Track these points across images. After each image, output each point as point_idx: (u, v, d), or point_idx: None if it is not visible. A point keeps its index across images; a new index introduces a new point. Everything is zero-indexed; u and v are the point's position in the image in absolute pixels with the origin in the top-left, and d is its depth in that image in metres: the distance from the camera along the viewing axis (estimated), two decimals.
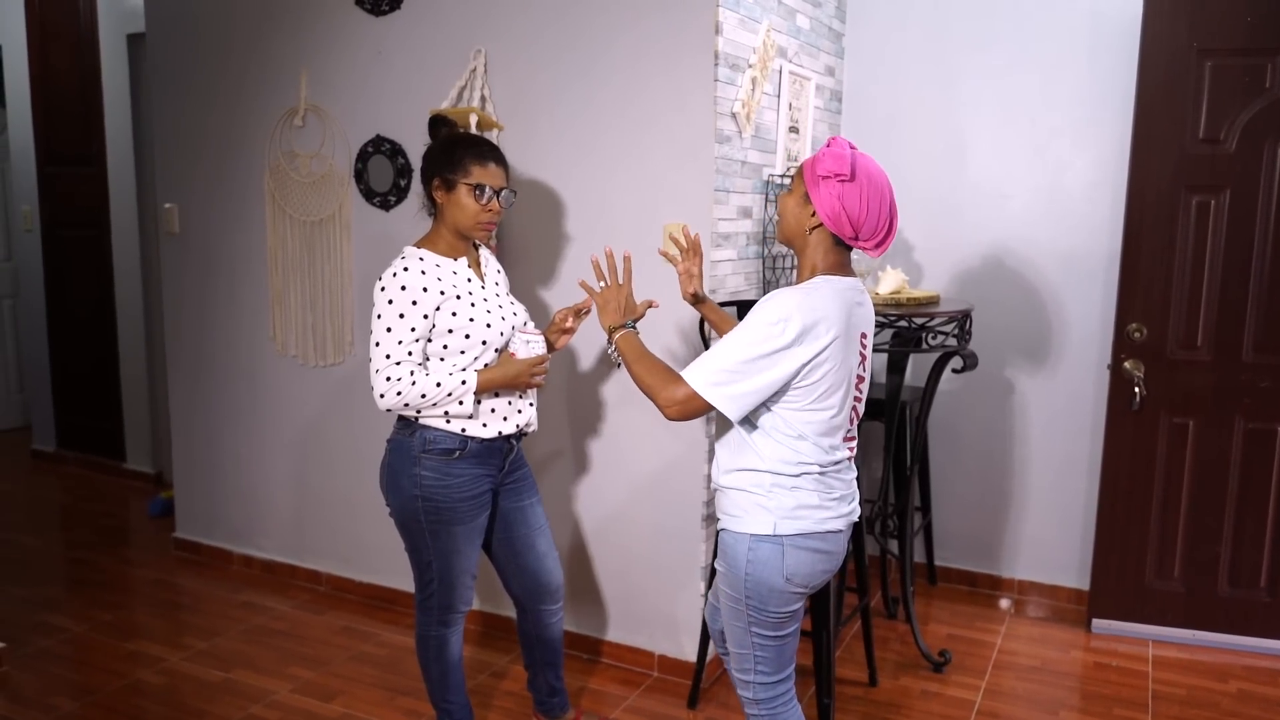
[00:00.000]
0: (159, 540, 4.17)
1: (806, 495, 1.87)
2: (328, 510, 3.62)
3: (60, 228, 5.13)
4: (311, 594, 3.64)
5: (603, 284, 2.14)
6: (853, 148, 1.85)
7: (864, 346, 1.94)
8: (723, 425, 1.95)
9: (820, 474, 1.89)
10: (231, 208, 3.66)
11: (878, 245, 1.85)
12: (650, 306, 2.21)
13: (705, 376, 1.81)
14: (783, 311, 1.78)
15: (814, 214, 1.84)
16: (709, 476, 2.86)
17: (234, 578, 3.79)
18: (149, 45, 3.80)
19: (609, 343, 2.05)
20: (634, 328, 2.05)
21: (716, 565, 1.98)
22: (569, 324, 2.44)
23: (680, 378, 1.84)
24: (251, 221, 3.62)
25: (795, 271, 1.98)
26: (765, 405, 1.85)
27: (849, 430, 1.94)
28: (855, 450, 1.99)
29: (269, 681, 2.98)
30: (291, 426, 3.65)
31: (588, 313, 2.45)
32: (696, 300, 2.31)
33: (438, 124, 2.32)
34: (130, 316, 4.89)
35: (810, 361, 1.80)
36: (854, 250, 1.91)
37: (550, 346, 2.40)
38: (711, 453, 2.87)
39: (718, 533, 1.98)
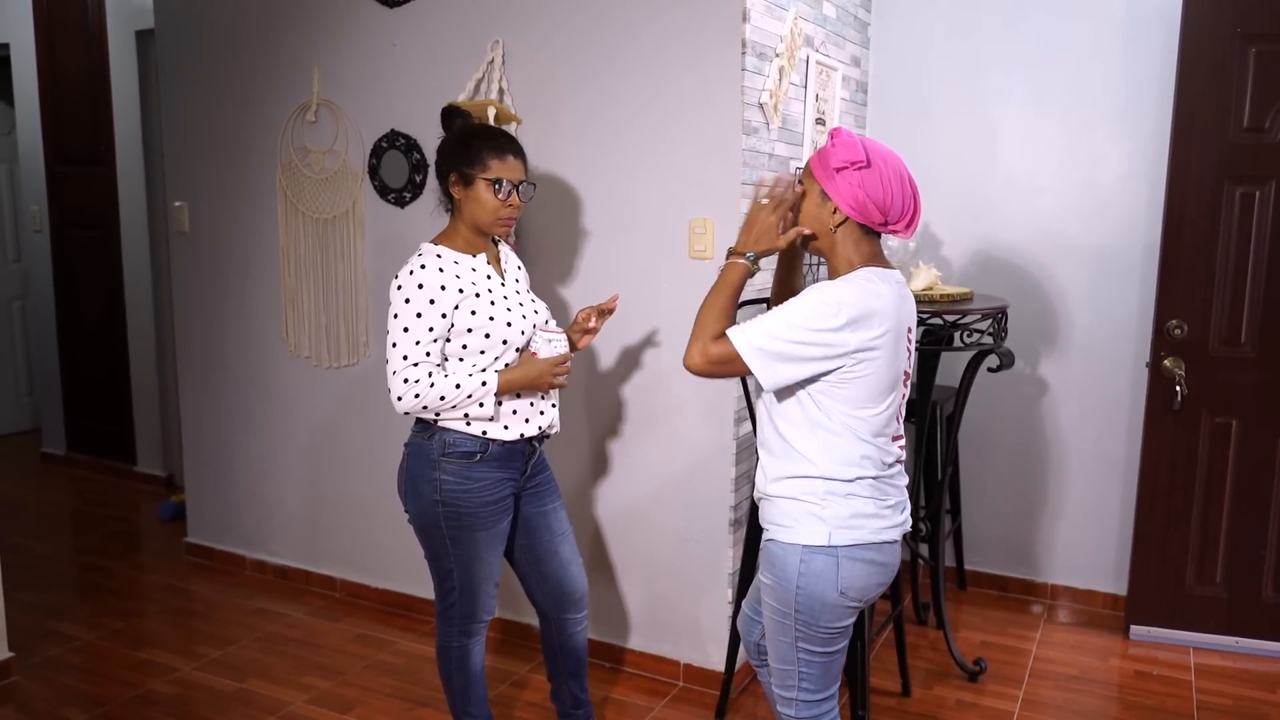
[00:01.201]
0: (170, 545, 4.10)
1: (862, 503, 1.79)
2: (342, 515, 3.54)
3: (69, 228, 5.06)
4: (326, 600, 3.55)
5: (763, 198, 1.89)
6: (856, 135, 1.79)
7: (910, 342, 1.85)
8: (766, 431, 1.86)
9: (875, 479, 1.80)
10: (243, 206, 3.58)
11: (908, 225, 1.80)
12: (795, 240, 1.87)
13: (751, 340, 1.72)
14: (837, 295, 1.72)
15: (835, 210, 1.78)
16: (735, 479, 2.78)
17: (247, 584, 3.71)
18: (158, 41, 3.72)
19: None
20: (753, 261, 1.85)
21: (762, 577, 1.89)
22: (592, 323, 2.34)
23: (724, 335, 1.75)
24: (263, 220, 3.54)
25: (826, 271, 1.88)
26: (817, 404, 1.77)
27: (897, 429, 1.86)
28: (905, 451, 1.90)
29: (284, 692, 2.90)
30: (305, 429, 3.57)
31: (611, 312, 2.36)
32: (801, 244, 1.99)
33: (451, 116, 2.23)
34: (140, 317, 4.82)
35: (859, 351, 1.72)
36: (885, 237, 1.82)
37: (572, 346, 2.31)
38: (739, 454, 2.78)
39: (764, 543, 1.88)
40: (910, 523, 1.91)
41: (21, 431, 5.94)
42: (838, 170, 1.76)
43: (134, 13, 4.48)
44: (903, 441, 1.90)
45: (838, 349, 1.71)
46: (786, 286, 2.01)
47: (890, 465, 1.84)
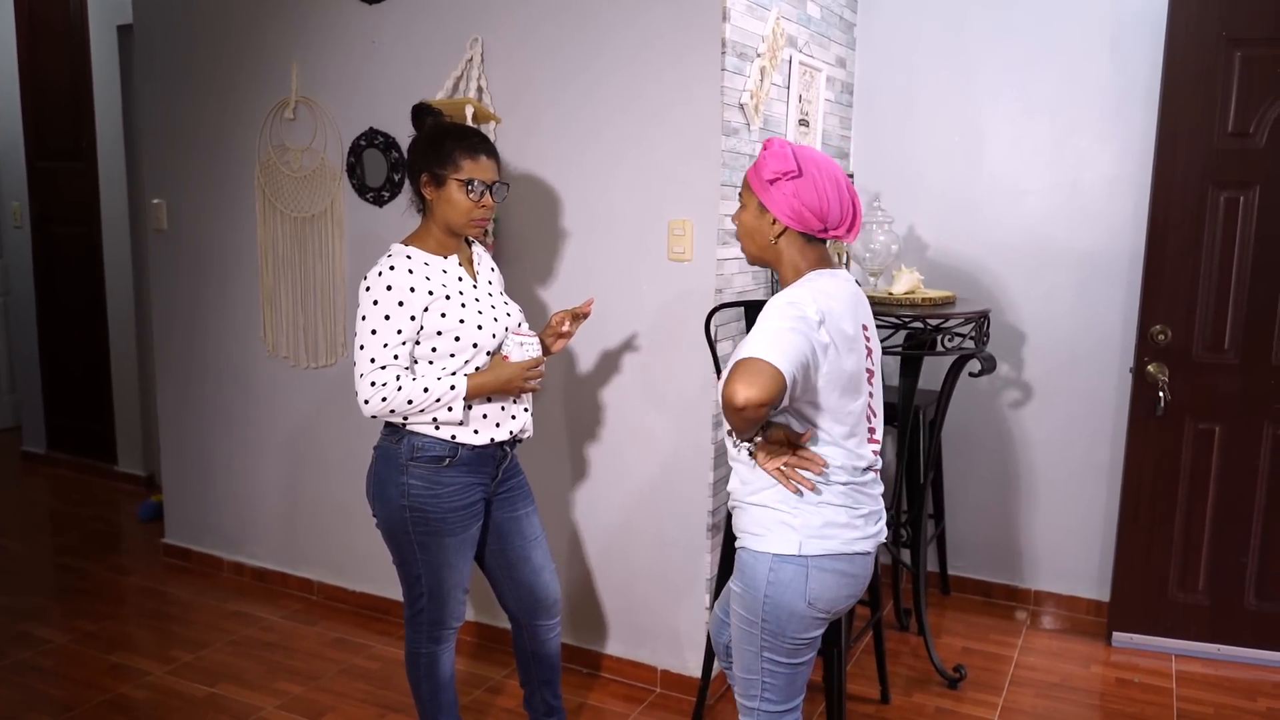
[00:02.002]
0: (148, 546, 4.06)
1: (834, 512, 1.77)
2: (320, 516, 3.50)
3: (50, 224, 5.01)
4: (303, 603, 3.52)
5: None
6: (789, 144, 1.79)
7: (868, 340, 1.85)
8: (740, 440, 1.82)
9: (846, 485, 1.79)
10: (221, 204, 3.54)
11: (849, 230, 1.79)
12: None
13: (760, 347, 1.61)
14: (796, 298, 1.71)
15: (774, 221, 1.78)
16: (713, 484, 2.75)
17: (224, 586, 3.67)
18: (136, 37, 3.68)
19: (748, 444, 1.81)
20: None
21: (732, 585, 1.87)
22: (565, 328, 2.31)
23: (735, 368, 1.61)
24: (242, 218, 3.50)
25: (779, 285, 1.86)
26: (794, 414, 1.75)
27: (871, 424, 1.84)
28: (880, 455, 1.88)
29: (256, 697, 2.86)
30: (283, 430, 3.53)
31: (586, 315, 2.33)
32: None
33: (422, 114, 2.19)
34: (121, 315, 4.77)
35: (829, 346, 1.70)
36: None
37: (546, 350, 2.28)
38: (717, 458, 2.75)
39: (737, 550, 1.86)
40: (885, 533, 1.89)
41: (2, 430, 5.89)
42: (771, 181, 1.76)
43: (115, 7, 4.44)
44: (878, 446, 1.87)
45: (818, 342, 1.68)
46: None
47: (864, 471, 1.82)
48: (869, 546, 1.82)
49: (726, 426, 1.80)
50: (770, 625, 1.78)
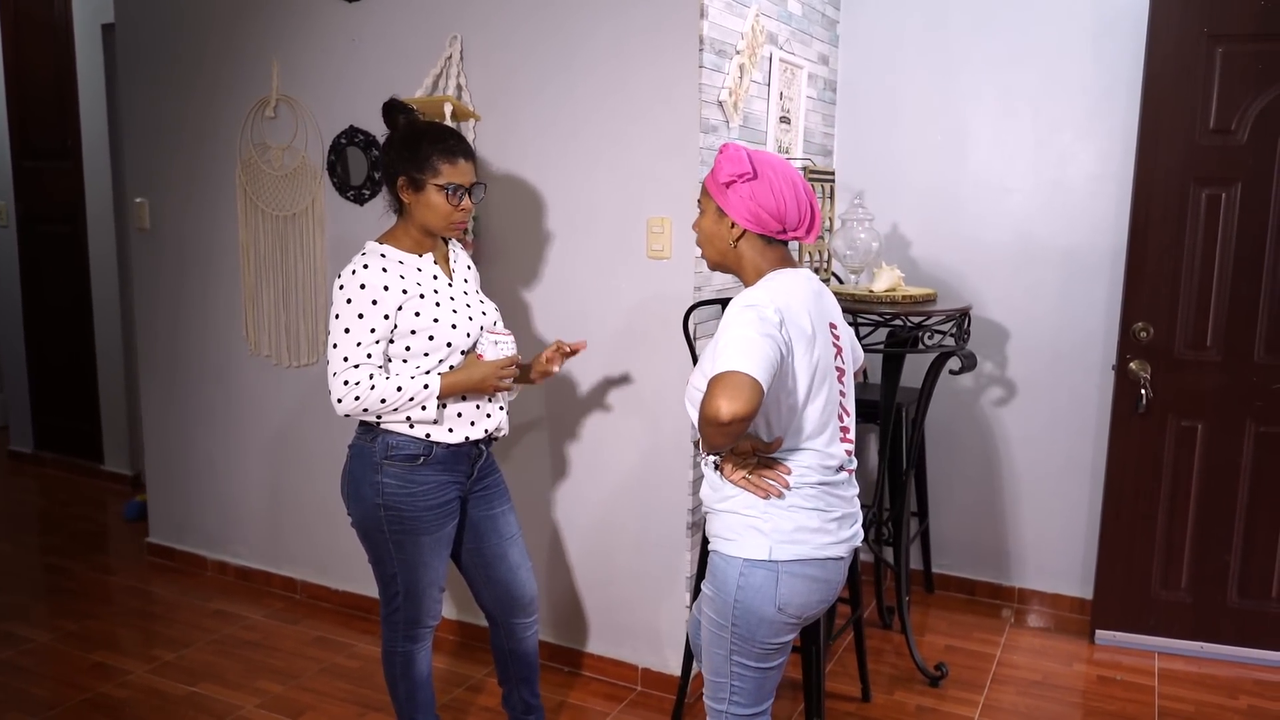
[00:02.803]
0: (133, 545, 4.05)
1: (805, 516, 1.76)
2: (304, 515, 3.49)
3: (36, 223, 5.00)
4: (286, 602, 3.51)
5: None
6: (743, 148, 1.80)
7: (836, 337, 1.84)
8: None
9: (818, 487, 1.78)
10: (203, 202, 3.53)
11: (808, 230, 1.80)
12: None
13: (735, 359, 1.59)
14: (754, 300, 1.70)
15: (733, 225, 1.78)
16: (693, 482, 2.74)
17: (208, 585, 3.66)
18: (117, 35, 3.66)
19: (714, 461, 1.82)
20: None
21: (704, 587, 1.86)
22: (555, 367, 2.29)
23: (714, 383, 1.59)
24: (224, 216, 3.49)
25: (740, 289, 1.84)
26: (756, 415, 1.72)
27: (843, 423, 1.83)
28: (854, 455, 1.87)
29: (236, 696, 2.85)
30: (266, 429, 3.53)
31: (576, 352, 2.31)
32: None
33: (394, 111, 2.17)
34: (107, 315, 4.76)
35: (793, 345, 1.70)
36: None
37: (524, 373, 2.30)
38: (696, 457, 2.74)
39: (709, 554, 1.85)
40: (860, 537, 1.88)
41: None
42: (727, 185, 1.76)
43: (100, 6, 4.42)
44: (851, 446, 1.87)
45: (782, 343, 1.67)
46: None
47: (836, 470, 1.81)
48: (842, 551, 1.81)
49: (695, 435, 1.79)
50: (740, 629, 1.77)
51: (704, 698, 1.91)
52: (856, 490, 1.89)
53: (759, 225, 1.77)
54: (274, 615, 3.41)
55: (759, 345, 1.62)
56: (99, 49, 4.51)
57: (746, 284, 1.82)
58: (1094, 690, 2.95)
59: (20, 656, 3.08)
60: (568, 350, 2.29)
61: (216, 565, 3.74)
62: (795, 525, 1.75)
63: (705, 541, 2.58)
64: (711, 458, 1.80)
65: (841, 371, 1.85)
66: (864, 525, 3.14)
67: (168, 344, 3.72)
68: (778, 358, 1.64)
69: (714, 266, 1.87)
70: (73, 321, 4.91)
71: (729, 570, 1.77)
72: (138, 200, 3.70)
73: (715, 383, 1.59)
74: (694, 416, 1.78)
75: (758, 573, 1.74)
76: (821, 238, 3.05)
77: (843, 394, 1.85)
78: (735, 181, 1.75)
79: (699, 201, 1.87)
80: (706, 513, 1.88)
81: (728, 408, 1.55)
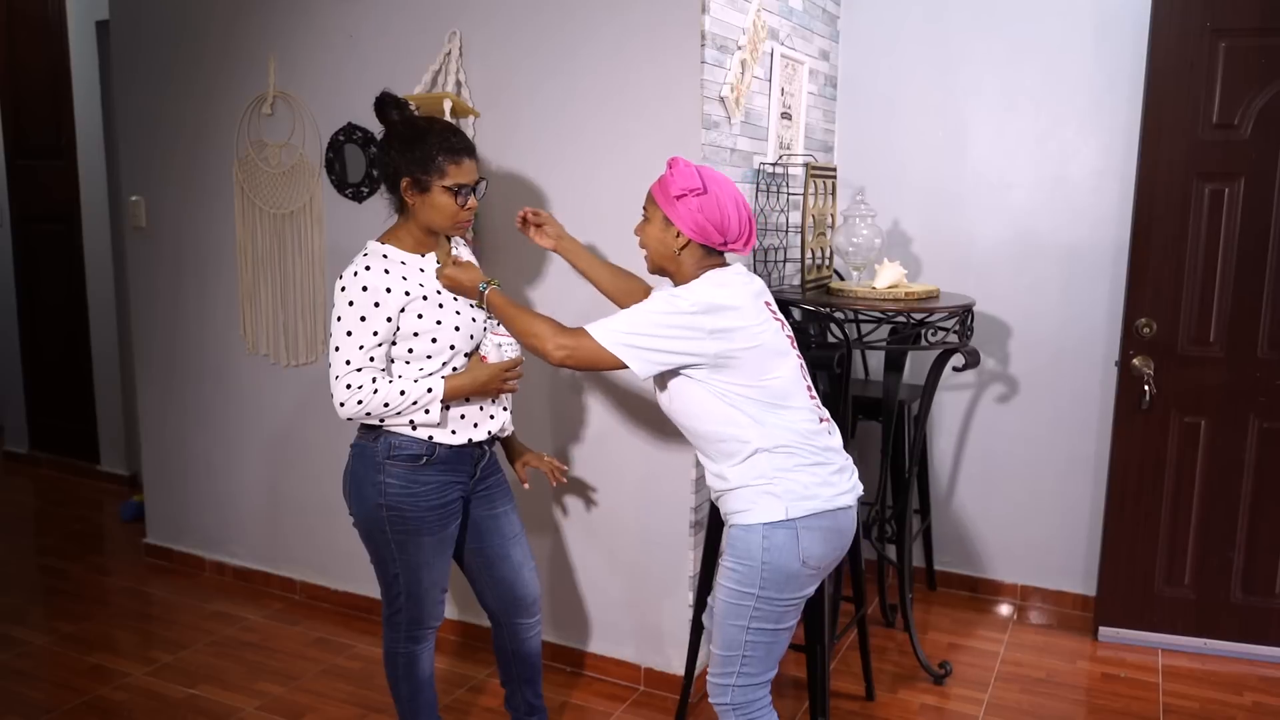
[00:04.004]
0: (130, 546, 4.02)
1: (810, 475, 1.90)
2: (302, 515, 3.47)
3: (31, 222, 4.96)
4: (285, 603, 3.49)
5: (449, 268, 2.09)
6: (692, 164, 1.95)
7: (775, 313, 1.98)
8: (697, 437, 1.95)
9: (807, 443, 1.90)
10: (200, 200, 3.50)
11: (745, 243, 1.95)
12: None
13: (612, 334, 1.85)
14: (683, 291, 1.88)
15: (679, 234, 1.92)
16: (695, 480, 2.73)
17: (206, 586, 3.64)
18: (113, 31, 3.63)
19: (481, 304, 2.05)
20: (497, 284, 2.07)
21: (724, 562, 1.95)
22: (537, 467, 2.41)
23: (581, 330, 1.87)
24: (221, 214, 3.46)
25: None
26: (723, 392, 1.88)
27: (807, 382, 1.98)
28: (825, 411, 2.01)
29: (235, 698, 2.83)
30: (264, 428, 3.50)
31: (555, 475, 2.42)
32: (560, 251, 2.34)
33: (387, 107, 2.12)
34: (103, 314, 4.73)
35: (730, 330, 1.84)
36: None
37: (514, 452, 2.39)
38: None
39: (729, 530, 1.96)
40: (860, 488, 2.00)
41: None
42: (678, 198, 1.90)
43: (93, 3, 4.38)
44: (817, 400, 2.00)
45: (697, 333, 1.83)
46: (606, 276, 2.30)
47: (820, 423, 1.96)
48: (849, 501, 1.94)
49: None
50: (768, 590, 1.88)
51: (710, 679, 1.99)
52: (839, 440, 2.01)
53: (703, 236, 1.91)
54: (273, 616, 3.38)
55: (647, 333, 1.83)
56: (93, 46, 4.48)
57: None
58: (1098, 687, 2.95)
59: (17, 659, 3.06)
60: (558, 472, 2.41)
61: (215, 566, 3.72)
62: (803, 484, 1.89)
63: (712, 537, 2.58)
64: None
65: (793, 340, 1.99)
66: (867, 524, 3.16)
67: (164, 343, 3.70)
68: (669, 343, 1.84)
69: (654, 270, 2.01)
70: (68, 321, 4.88)
71: (751, 537, 1.88)
72: (134, 198, 3.67)
73: (582, 331, 1.85)
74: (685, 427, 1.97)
75: (778, 533, 1.87)
76: (822, 234, 3.03)
77: (800, 360, 1.99)
78: (686, 195, 1.89)
79: (644, 209, 1.99)
80: (718, 498, 1.98)
81: (559, 355, 1.87)
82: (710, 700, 2.00)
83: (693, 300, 1.84)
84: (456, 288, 2.07)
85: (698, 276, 1.93)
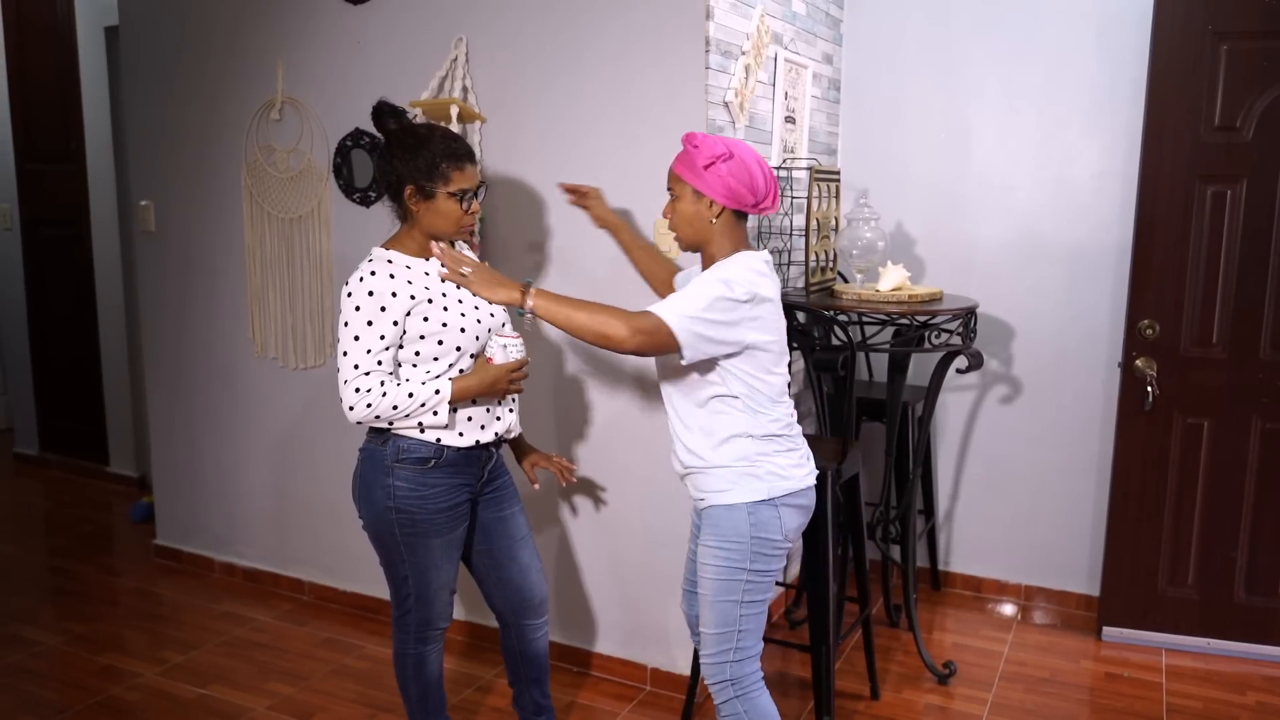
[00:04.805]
0: (140, 547, 4.06)
1: (784, 458, 2.01)
2: (311, 517, 3.50)
3: (40, 226, 5.00)
4: (294, 603, 3.52)
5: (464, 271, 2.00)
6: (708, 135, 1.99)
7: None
8: (685, 412, 2.02)
9: (786, 431, 2.02)
10: (209, 205, 3.54)
11: (773, 200, 2.00)
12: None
13: (680, 319, 1.85)
14: (730, 275, 1.90)
15: (712, 203, 1.96)
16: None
17: (215, 586, 3.67)
18: (121, 37, 3.67)
19: (523, 310, 1.94)
20: (532, 282, 2.04)
21: (704, 544, 2.03)
22: (547, 468, 2.43)
23: (650, 314, 1.86)
24: (229, 219, 3.49)
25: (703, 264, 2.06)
26: (740, 378, 1.94)
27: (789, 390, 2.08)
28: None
29: (246, 698, 2.86)
30: (273, 430, 3.53)
31: (563, 473, 2.43)
32: (606, 225, 2.46)
33: (384, 114, 2.14)
34: (111, 317, 4.77)
35: (762, 321, 1.92)
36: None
37: (522, 451, 2.42)
38: None
39: (703, 511, 2.04)
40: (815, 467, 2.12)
41: None
42: (706, 167, 1.93)
43: (103, 9, 4.42)
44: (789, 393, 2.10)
45: (748, 322, 1.89)
46: (647, 258, 2.38)
47: (793, 422, 2.07)
48: (814, 480, 2.08)
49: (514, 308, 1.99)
50: (758, 565, 1.98)
51: (705, 662, 2.06)
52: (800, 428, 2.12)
53: (736, 201, 1.94)
54: (282, 617, 3.41)
55: (710, 314, 1.85)
56: (102, 52, 4.51)
57: (709, 260, 2.00)
58: (1102, 687, 2.96)
59: (29, 660, 3.09)
60: (567, 472, 2.42)
61: (224, 567, 3.75)
62: (780, 468, 2.00)
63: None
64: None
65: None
66: (871, 525, 3.18)
67: (173, 346, 3.73)
68: (720, 332, 1.86)
69: (689, 247, 2.03)
70: (77, 324, 4.92)
71: (735, 515, 1.98)
72: (143, 203, 3.70)
73: (647, 318, 1.83)
74: (677, 395, 2.03)
75: (762, 510, 1.98)
76: (826, 237, 3.05)
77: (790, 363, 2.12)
78: (715, 163, 1.92)
79: (670, 189, 2.02)
80: (688, 474, 2.06)
81: (635, 341, 1.83)
82: (708, 682, 2.07)
83: (745, 289, 1.88)
84: (491, 294, 1.96)
85: (726, 249, 1.98)
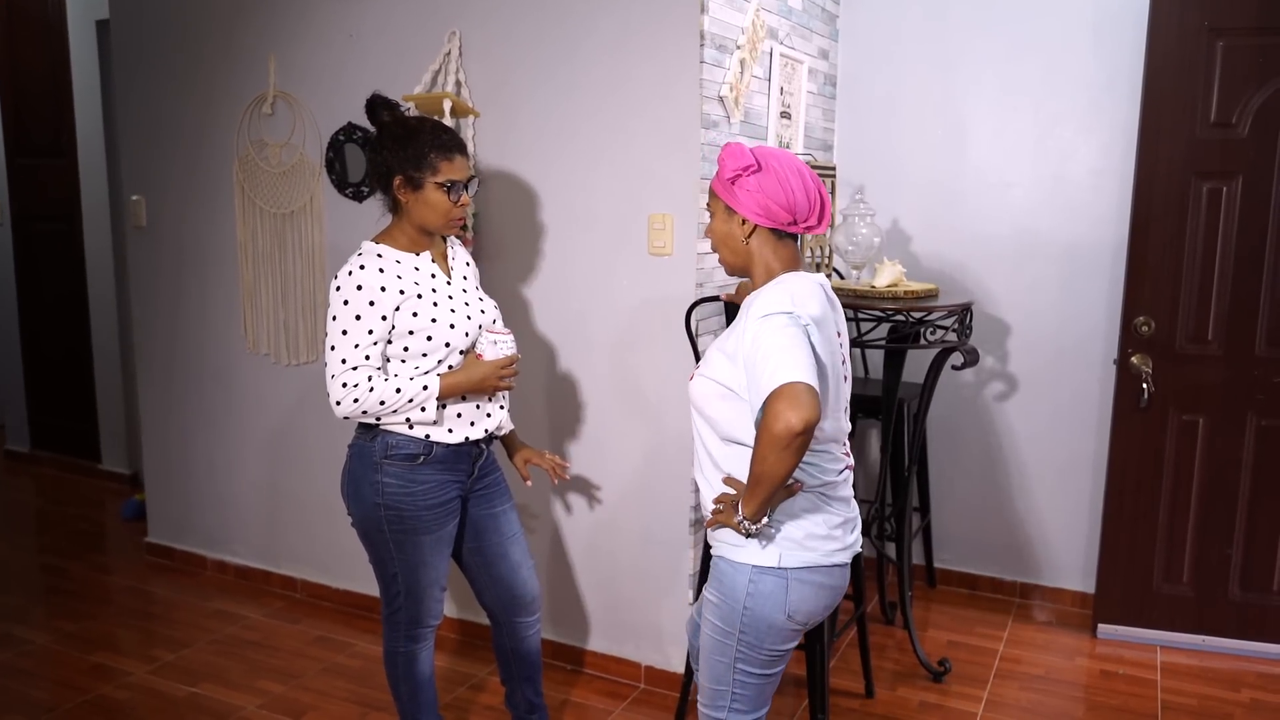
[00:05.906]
0: (131, 545, 4.03)
1: (813, 523, 1.74)
2: (303, 514, 3.48)
3: (31, 221, 4.97)
4: (286, 601, 3.50)
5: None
6: (744, 145, 1.77)
7: (841, 345, 1.81)
8: (713, 449, 1.79)
9: (822, 493, 1.76)
10: (201, 199, 3.51)
11: (819, 219, 1.75)
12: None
13: (804, 372, 1.56)
14: (781, 306, 1.65)
15: (743, 221, 1.75)
16: (695, 479, 2.73)
17: (207, 584, 3.65)
18: (113, 30, 3.64)
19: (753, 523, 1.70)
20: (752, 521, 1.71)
21: (707, 593, 1.83)
22: (539, 464, 2.40)
23: (790, 389, 1.54)
24: (221, 214, 3.47)
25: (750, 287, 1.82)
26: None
27: (841, 434, 1.81)
28: (852, 459, 1.85)
29: (237, 696, 2.84)
30: (265, 427, 3.51)
31: (555, 471, 2.40)
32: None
33: (378, 108, 2.13)
34: (103, 313, 4.74)
35: (816, 352, 1.66)
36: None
37: (513, 448, 2.39)
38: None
39: (713, 560, 1.81)
40: (860, 543, 1.86)
41: None
42: (732, 181, 1.73)
43: (94, 2, 4.39)
44: (848, 447, 1.85)
45: (811, 344, 1.65)
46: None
47: (840, 472, 1.79)
48: (847, 558, 1.80)
49: (712, 505, 1.75)
50: (748, 637, 1.74)
51: (699, 706, 1.88)
52: (852, 494, 1.86)
53: (769, 218, 1.72)
54: (274, 615, 3.39)
55: (803, 352, 1.59)
56: (93, 45, 4.48)
57: (756, 284, 1.78)
58: (1096, 684, 2.96)
59: (19, 658, 3.07)
60: (560, 469, 2.40)
61: (216, 564, 3.73)
62: (805, 533, 1.73)
63: (707, 546, 2.59)
64: (752, 525, 1.69)
65: (847, 378, 1.83)
66: (866, 522, 3.16)
67: (165, 342, 3.70)
68: (815, 363, 1.61)
69: (731, 271, 1.83)
70: (69, 319, 4.88)
71: (737, 576, 1.74)
72: (134, 198, 3.67)
73: (775, 399, 1.54)
74: (706, 428, 1.77)
75: (767, 579, 1.72)
76: (822, 232, 3.04)
77: (846, 402, 1.84)
78: (740, 176, 1.72)
79: (708, 207, 1.83)
80: (708, 516, 1.84)
81: (798, 417, 1.51)
82: None
83: (806, 313, 1.65)
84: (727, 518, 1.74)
85: (773, 269, 1.75)
